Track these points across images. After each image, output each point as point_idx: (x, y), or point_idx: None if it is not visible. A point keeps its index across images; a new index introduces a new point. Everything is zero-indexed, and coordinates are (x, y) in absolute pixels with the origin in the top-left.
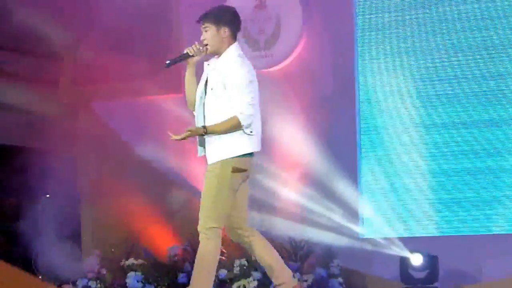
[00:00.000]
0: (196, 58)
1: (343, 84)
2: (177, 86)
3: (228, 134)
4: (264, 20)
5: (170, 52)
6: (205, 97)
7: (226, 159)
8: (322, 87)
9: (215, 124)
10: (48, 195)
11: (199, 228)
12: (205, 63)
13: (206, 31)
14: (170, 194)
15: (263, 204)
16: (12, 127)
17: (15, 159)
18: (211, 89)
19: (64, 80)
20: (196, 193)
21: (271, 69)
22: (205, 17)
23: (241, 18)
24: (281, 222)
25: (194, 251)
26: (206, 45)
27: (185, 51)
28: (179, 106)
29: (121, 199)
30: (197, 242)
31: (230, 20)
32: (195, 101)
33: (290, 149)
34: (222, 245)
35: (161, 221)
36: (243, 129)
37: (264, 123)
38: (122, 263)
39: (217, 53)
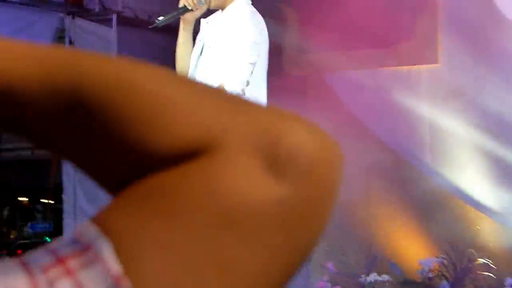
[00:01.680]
0: (195, 14)
1: None
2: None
3: None
4: None
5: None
6: (199, 60)
7: None
8: None
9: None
10: None
11: None
12: (203, 21)
13: None
14: (419, 188)
15: None
16: None
17: None
18: (209, 47)
19: (290, 48)
20: (457, 191)
21: None
22: None
23: None
24: None
25: (454, 265)
26: None
27: (180, 4)
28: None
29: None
30: (458, 253)
31: None
32: (188, 70)
33: None
34: None
35: (410, 226)
36: None
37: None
38: (361, 280)
39: (220, 7)
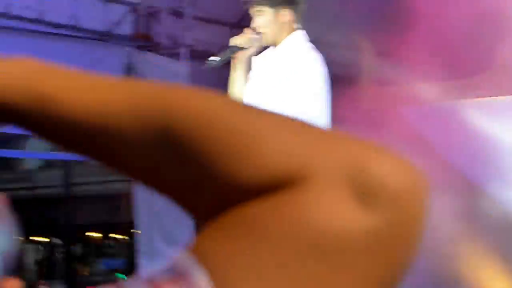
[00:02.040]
0: (248, 52)
1: None
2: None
3: None
4: None
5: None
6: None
7: None
8: None
9: None
10: None
11: None
12: (255, 59)
13: (259, 15)
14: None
15: None
16: None
17: None
18: (266, 84)
19: (366, 80)
20: None
21: None
22: None
23: None
24: None
25: None
26: (260, 33)
27: (232, 43)
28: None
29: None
30: None
31: (296, 4)
32: None
33: None
34: None
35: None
36: None
37: None
38: None
39: (274, 44)
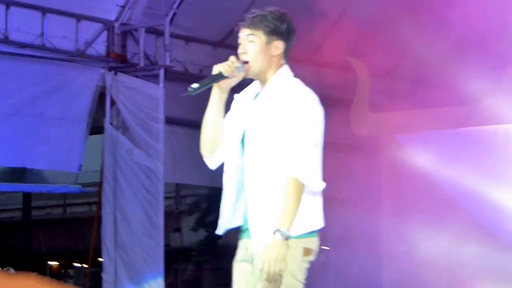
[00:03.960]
0: (230, 82)
1: None
2: None
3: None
4: None
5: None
6: (243, 145)
7: (295, 238)
8: None
9: (284, 211)
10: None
11: None
12: (236, 96)
13: (250, 41)
14: None
15: None
16: None
17: None
18: (256, 129)
19: (359, 106)
20: None
21: None
22: (252, 22)
23: None
24: None
25: None
26: (247, 62)
27: (215, 70)
28: None
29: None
30: None
31: (287, 31)
32: (215, 143)
33: None
34: None
35: None
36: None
37: None
38: None
39: (259, 77)
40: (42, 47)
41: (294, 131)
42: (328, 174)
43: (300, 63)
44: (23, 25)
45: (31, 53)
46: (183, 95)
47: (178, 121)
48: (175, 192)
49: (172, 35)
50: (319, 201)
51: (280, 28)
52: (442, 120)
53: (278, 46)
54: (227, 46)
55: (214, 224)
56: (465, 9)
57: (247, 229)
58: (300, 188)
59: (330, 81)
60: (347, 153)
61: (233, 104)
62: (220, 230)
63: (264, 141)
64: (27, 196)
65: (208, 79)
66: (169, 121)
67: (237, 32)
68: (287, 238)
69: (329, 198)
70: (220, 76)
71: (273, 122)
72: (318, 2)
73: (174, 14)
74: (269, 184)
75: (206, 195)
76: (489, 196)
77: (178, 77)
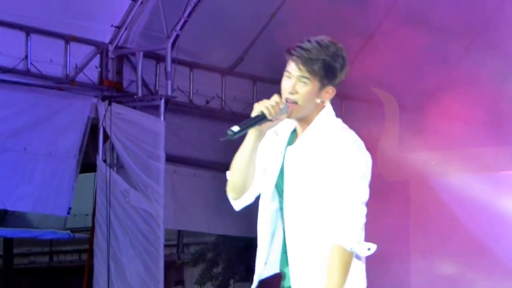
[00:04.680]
0: (271, 124)
1: None
2: None
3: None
4: None
5: None
6: (282, 196)
7: None
8: None
9: (329, 284)
10: None
11: None
12: (268, 134)
13: (305, 83)
14: None
15: None
16: None
17: None
18: (297, 175)
19: (387, 145)
20: None
21: None
22: (307, 62)
23: None
24: None
25: None
26: (295, 103)
27: (257, 111)
28: None
29: None
30: None
31: (341, 72)
32: (245, 187)
33: None
34: None
35: None
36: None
37: None
38: None
39: (302, 120)
40: (26, 73)
41: (339, 187)
42: None
43: None
44: (4, 47)
45: (13, 79)
46: (222, 139)
47: (180, 159)
48: (176, 240)
49: (174, 61)
50: (363, 262)
51: (336, 73)
52: (482, 161)
53: (330, 91)
54: (237, 74)
55: (221, 276)
56: None
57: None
58: (346, 257)
59: (355, 116)
60: (375, 199)
61: (265, 143)
62: (254, 283)
63: (307, 190)
64: (8, 242)
65: (249, 121)
66: (171, 159)
67: (287, 62)
68: None
69: None
70: (262, 118)
71: (316, 170)
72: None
73: (177, 36)
74: (313, 235)
75: (212, 244)
76: None
77: (181, 109)
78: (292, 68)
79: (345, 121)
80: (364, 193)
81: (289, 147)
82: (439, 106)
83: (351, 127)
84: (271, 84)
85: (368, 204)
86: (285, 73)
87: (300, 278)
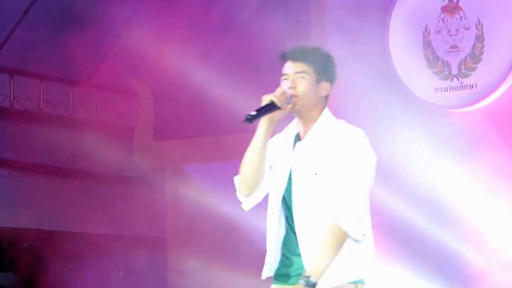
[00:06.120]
0: (279, 114)
1: None
2: None
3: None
4: (458, 31)
5: None
6: (291, 193)
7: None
8: None
9: (318, 260)
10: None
11: None
12: (276, 136)
13: (302, 77)
14: None
15: None
16: None
17: None
18: (306, 172)
19: (142, 133)
20: None
21: (468, 108)
22: (305, 56)
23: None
24: None
25: None
26: (296, 96)
27: (266, 100)
28: None
29: None
30: None
31: (335, 74)
32: (257, 182)
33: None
34: None
35: None
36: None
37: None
38: None
39: (304, 115)
40: None
41: (344, 174)
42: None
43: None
44: None
45: None
46: (243, 122)
47: None
48: None
49: None
50: (366, 249)
51: (330, 70)
52: (237, 148)
53: (326, 88)
54: None
55: None
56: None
57: (290, 276)
58: (340, 236)
59: (112, 107)
60: (130, 186)
61: (271, 144)
62: (264, 274)
63: (317, 187)
64: None
65: (263, 108)
66: None
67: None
68: (313, 286)
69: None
70: (273, 106)
71: (325, 166)
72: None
73: None
74: (323, 231)
75: None
76: None
77: None
78: (288, 67)
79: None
80: (366, 180)
81: (299, 143)
82: (195, 94)
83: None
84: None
85: (123, 192)
86: (283, 77)
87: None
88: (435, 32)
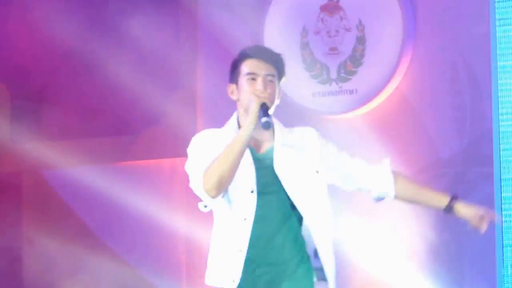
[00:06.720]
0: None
1: (477, 136)
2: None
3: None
4: (338, 32)
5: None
6: (294, 197)
7: None
8: (434, 142)
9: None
10: None
11: None
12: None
13: (271, 81)
14: None
15: None
16: None
17: None
18: (308, 177)
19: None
20: None
21: (349, 114)
22: (274, 61)
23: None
24: None
25: None
26: (268, 101)
27: (257, 105)
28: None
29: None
30: None
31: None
32: (229, 183)
33: None
34: None
35: None
36: None
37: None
38: None
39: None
40: None
41: (339, 155)
42: None
43: None
44: None
45: None
46: (264, 129)
47: None
48: None
49: None
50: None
51: (282, 79)
52: (98, 152)
53: (280, 94)
54: None
55: None
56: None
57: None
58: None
59: None
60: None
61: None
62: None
63: (319, 184)
64: None
65: (266, 109)
66: None
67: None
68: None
69: None
70: (267, 108)
71: (317, 163)
72: None
73: None
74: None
75: None
76: None
77: None
78: (258, 67)
79: None
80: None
81: (277, 147)
82: (55, 96)
83: None
84: None
85: None
86: (248, 76)
87: (329, 253)
88: (314, 32)
